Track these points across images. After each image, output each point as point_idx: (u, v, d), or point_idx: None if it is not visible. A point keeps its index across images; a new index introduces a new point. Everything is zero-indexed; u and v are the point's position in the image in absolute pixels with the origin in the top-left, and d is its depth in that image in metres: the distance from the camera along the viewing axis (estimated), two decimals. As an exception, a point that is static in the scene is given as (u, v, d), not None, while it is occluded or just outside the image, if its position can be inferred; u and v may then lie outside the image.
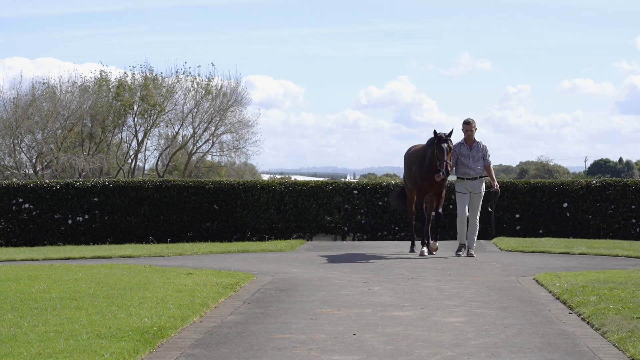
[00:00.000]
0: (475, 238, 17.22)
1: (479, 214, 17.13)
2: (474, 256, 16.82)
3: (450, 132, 16.72)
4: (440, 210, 17.45)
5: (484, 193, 17.23)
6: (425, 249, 17.43)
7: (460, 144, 17.09)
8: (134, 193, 26.14)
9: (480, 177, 17.09)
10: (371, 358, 7.96)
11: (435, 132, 16.70)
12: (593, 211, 25.22)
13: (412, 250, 18.28)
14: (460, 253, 17.11)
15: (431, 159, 16.76)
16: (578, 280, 12.57)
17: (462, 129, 17.18)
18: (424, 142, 17.79)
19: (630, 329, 8.92)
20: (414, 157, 17.87)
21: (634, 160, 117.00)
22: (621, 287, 11.69)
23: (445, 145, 16.50)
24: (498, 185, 17.30)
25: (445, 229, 23.38)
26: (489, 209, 17.93)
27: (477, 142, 17.11)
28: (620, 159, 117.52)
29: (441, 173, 16.44)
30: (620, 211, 25.18)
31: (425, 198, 17.41)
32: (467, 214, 16.95)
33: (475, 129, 17.18)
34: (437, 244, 17.64)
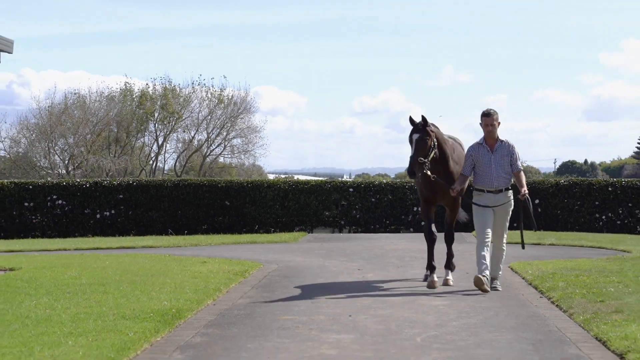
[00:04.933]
0: (501, 265, 11.34)
1: (505, 236, 11.21)
2: (498, 289, 10.95)
3: (425, 120, 11.06)
4: (452, 228, 12.12)
5: (512, 208, 11.18)
6: (435, 276, 11.52)
7: (478, 144, 11.14)
8: (155, 191, 26.14)
9: (507, 189, 11.09)
10: (365, 337, 7.97)
11: (410, 117, 11.17)
12: (561, 207, 25.23)
13: (429, 276, 11.69)
14: (485, 287, 10.79)
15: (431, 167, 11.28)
16: (548, 268, 12.57)
17: (481, 124, 11.11)
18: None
19: (594, 311, 8.92)
20: None
21: (597, 162, 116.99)
22: (586, 274, 11.69)
23: (417, 136, 10.97)
24: (527, 191, 11.01)
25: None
26: (533, 229, 11.91)
27: (502, 141, 11.10)
28: (586, 161, 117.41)
29: (407, 172, 11.13)
30: (585, 207, 25.20)
31: (433, 210, 11.95)
32: (489, 237, 10.96)
33: (499, 123, 11.12)
34: (451, 276, 11.72)
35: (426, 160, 10.95)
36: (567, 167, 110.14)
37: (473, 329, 8.28)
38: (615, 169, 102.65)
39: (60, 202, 26.17)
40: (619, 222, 25.14)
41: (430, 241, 11.72)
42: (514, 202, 11.20)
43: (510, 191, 11.11)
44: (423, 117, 11.08)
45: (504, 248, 11.24)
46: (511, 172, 11.05)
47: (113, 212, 26.12)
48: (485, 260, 10.81)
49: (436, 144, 11.15)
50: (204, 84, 50.72)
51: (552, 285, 10.83)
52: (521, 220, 11.38)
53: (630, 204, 25.17)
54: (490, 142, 11.08)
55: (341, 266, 13.92)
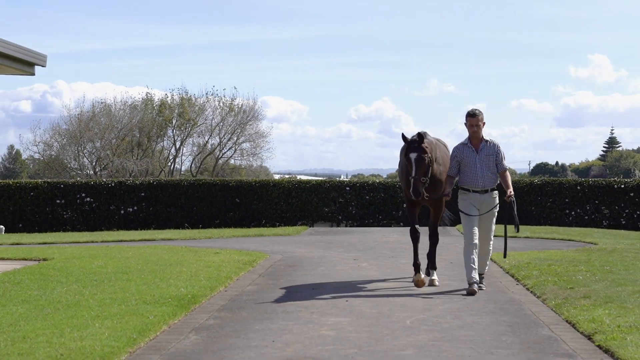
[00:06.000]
0: (488, 262, 10.17)
1: (492, 237, 10.05)
2: (483, 288, 9.83)
3: (421, 136, 9.86)
4: (437, 228, 10.66)
5: (497, 209, 10.02)
6: (422, 274, 10.28)
7: (463, 145, 9.94)
8: (173, 189, 26.13)
9: (492, 189, 9.89)
10: (360, 319, 7.95)
11: (403, 136, 9.95)
12: (535, 203, 25.23)
13: (414, 275, 10.34)
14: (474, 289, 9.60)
15: (408, 171, 10.03)
16: (523, 258, 12.55)
17: (466, 124, 9.92)
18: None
19: (564, 296, 8.92)
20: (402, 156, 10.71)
21: (567, 164, 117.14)
22: (557, 264, 11.68)
23: (415, 155, 9.77)
24: (512, 193, 9.78)
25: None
26: (515, 230, 10.21)
27: (487, 142, 9.91)
28: (557, 163, 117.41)
29: (411, 194, 9.76)
30: (556, 204, 25.20)
31: (417, 210, 10.59)
32: (476, 240, 9.73)
33: (484, 123, 9.92)
34: (436, 275, 10.46)
35: (427, 178, 9.82)
36: (540, 168, 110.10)
37: (457, 313, 8.27)
38: (583, 170, 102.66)
39: (88, 199, 26.16)
40: (586, 217, 25.13)
41: (415, 239, 10.46)
42: (500, 203, 10.03)
43: (496, 192, 9.93)
44: (419, 135, 9.87)
45: (490, 249, 10.08)
46: (497, 171, 9.86)
47: (135, 208, 26.10)
48: (474, 264, 9.65)
49: (431, 158, 9.97)
50: (217, 94, 50.63)
51: (527, 273, 10.81)
52: (506, 226, 10.19)
53: (596, 201, 25.17)
54: (475, 142, 9.89)
55: (339, 257, 13.91)
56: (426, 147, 9.90)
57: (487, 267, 10.22)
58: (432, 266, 10.59)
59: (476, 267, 9.70)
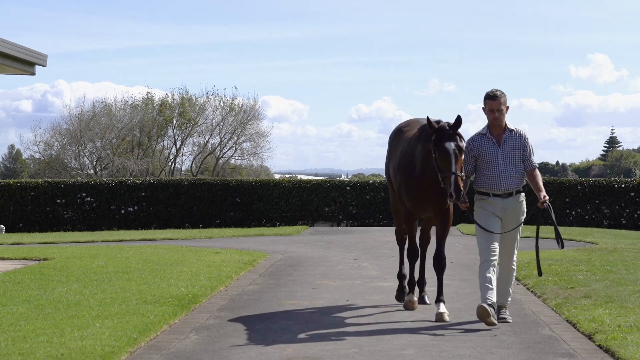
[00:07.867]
0: (511, 289, 7.97)
1: (516, 254, 8.00)
2: (508, 321, 7.68)
3: (458, 121, 7.62)
4: (443, 249, 8.32)
5: (524, 217, 8.12)
6: (414, 296, 8.53)
7: (480, 135, 7.74)
8: (173, 189, 26.14)
9: (519, 191, 7.96)
10: (361, 319, 7.95)
11: (429, 120, 7.65)
12: (535, 203, 25.20)
13: (399, 298, 8.84)
14: (491, 319, 7.40)
15: (424, 165, 7.83)
16: (524, 258, 12.50)
17: (484, 109, 7.68)
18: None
19: (565, 296, 8.91)
20: (401, 148, 8.39)
21: (568, 163, 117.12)
22: (558, 263, 11.67)
23: (453, 145, 7.49)
24: (546, 196, 7.91)
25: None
26: (559, 246, 8.22)
27: (512, 131, 7.73)
28: (557, 162, 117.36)
29: (449, 197, 7.46)
30: (557, 203, 25.21)
31: (416, 223, 8.51)
32: (496, 257, 7.66)
33: (507, 108, 7.72)
34: (444, 307, 7.94)
35: (464, 175, 7.60)
36: (541, 168, 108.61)
37: (457, 313, 8.25)
38: (583, 170, 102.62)
39: (88, 199, 26.17)
40: (587, 217, 25.13)
41: (414, 256, 8.52)
42: (530, 209, 8.22)
43: (522, 194, 7.99)
44: (458, 118, 7.62)
45: (514, 268, 7.93)
46: (523, 170, 7.86)
47: (136, 208, 26.11)
48: (490, 283, 7.51)
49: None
50: (217, 94, 50.59)
51: (528, 273, 10.81)
52: (537, 240, 8.27)
53: (597, 201, 25.17)
54: (497, 132, 7.70)
55: (339, 256, 13.90)
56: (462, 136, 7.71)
57: (510, 297, 7.96)
58: (438, 298, 8.07)
59: (494, 286, 7.53)
